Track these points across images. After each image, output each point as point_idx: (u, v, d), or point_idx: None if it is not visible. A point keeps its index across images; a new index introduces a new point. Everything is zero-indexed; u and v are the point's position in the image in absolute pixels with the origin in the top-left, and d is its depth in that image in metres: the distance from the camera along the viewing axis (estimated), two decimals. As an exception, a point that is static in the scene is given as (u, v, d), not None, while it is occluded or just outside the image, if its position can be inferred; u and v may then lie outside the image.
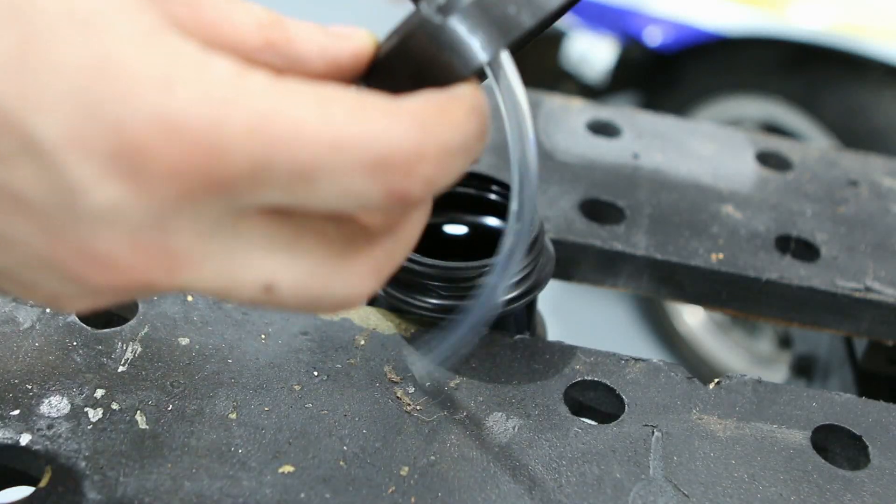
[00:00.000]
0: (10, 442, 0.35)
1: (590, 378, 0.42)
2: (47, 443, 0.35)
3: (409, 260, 0.42)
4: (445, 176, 0.24)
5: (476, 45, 0.26)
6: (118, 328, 0.41)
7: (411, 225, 0.27)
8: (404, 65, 0.27)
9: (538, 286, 0.45)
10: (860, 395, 0.43)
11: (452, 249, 0.50)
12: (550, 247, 0.48)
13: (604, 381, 0.42)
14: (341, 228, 0.25)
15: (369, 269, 0.26)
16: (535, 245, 0.45)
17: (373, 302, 0.48)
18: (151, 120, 0.22)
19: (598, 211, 0.54)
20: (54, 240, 0.23)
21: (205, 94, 0.22)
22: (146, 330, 0.41)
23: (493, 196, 0.49)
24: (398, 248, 0.27)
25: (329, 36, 0.27)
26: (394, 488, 0.36)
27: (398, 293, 0.44)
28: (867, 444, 0.40)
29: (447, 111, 0.24)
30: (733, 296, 0.51)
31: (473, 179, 0.49)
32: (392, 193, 0.23)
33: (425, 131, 0.23)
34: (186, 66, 0.22)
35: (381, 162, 0.23)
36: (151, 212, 0.23)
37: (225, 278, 0.24)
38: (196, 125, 0.22)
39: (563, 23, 1.82)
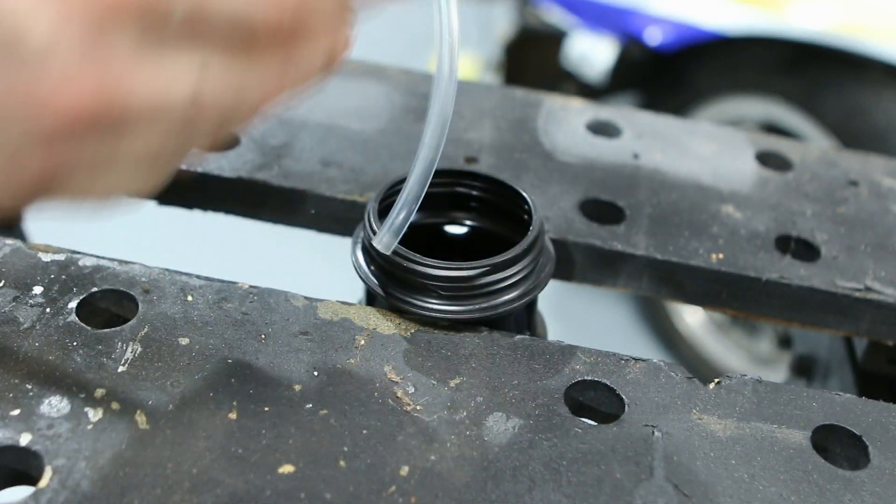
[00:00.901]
0: (10, 442, 0.35)
1: (590, 378, 0.42)
2: (47, 443, 0.35)
3: (410, 260, 0.42)
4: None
5: None
6: (118, 328, 0.41)
7: (308, 44, 0.30)
8: None
9: (538, 286, 0.45)
10: (860, 395, 0.43)
11: (452, 249, 0.50)
12: (550, 247, 0.48)
13: (604, 381, 0.42)
14: (244, 40, 0.28)
15: (275, 68, 0.29)
16: (536, 245, 0.45)
17: (372, 302, 0.48)
18: None
19: (598, 211, 0.54)
20: (7, 88, 0.25)
21: None
22: (146, 330, 0.41)
23: (492, 196, 0.49)
24: (298, 56, 0.30)
25: None
26: (394, 488, 0.36)
27: (398, 293, 0.44)
28: (867, 444, 0.40)
29: None
30: (733, 296, 0.51)
31: (472, 179, 0.49)
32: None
33: None
34: None
35: None
36: (85, 37, 0.25)
37: (159, 95, 0.27)
38: None
39: (563, 23, 1.82)
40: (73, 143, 0.26)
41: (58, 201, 0.29)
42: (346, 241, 0.49)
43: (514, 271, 0.44)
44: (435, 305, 0.43)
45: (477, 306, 0.43)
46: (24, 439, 0.35)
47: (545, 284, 0.45)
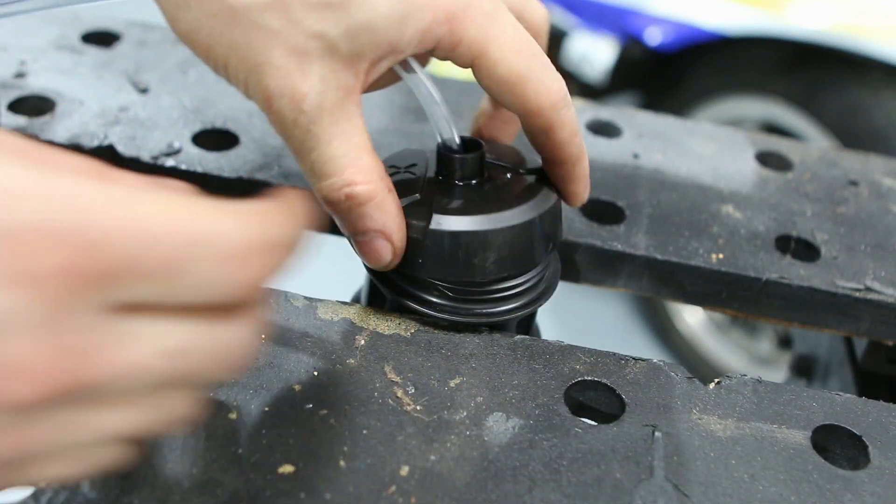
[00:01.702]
0: None
1: (590, 378, 0.42)
2: (47, 443, 0.35)
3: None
4: (271, 267, 0.28)
5: None
6: (118, 328, 0.41)
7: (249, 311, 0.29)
8: None
9: (543, 297, 0.45)
10: (860, 395, 0.43)
11: None
12: (558, 261, 0.48)
13: (604, 381, 0.42)
14: (207, 309, 0.28)
15: (240, 332, 0.29)
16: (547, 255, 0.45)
17: (373, 302, 0.48)
18: (31, 227, 0.24)
19: (598, 211, 0.54)
20: None
21: (73, 201, 0.25)
22: (146, 330, 0.41)
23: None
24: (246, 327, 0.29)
25: None
26: (394, 488, 0.36)
27: (399, 293, 0.44)
28: (867, 444, 0.40)
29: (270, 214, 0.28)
30: (733, 296, 0.51)
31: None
32: (243, 279, 0.27)
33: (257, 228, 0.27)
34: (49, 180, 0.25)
35: (236, 252, 0.27)
36: (45, 311, 0.24)
37: (128, 364, 0.26)
38: (69, 229, 0.24)
39: (563, 23, 1.82)
40: (38, 417, 0.26)
41: (18, 482, 0.28)
42: (346, 241, 0.49)
43: (526, 279, 0.44)
44: (436, 305, 0.43)
45: (484, 310, 0.43)
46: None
47: (549, 296, 0.46)
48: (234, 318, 0.29)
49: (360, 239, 0.40)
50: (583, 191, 0.45)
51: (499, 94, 0.41)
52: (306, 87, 0.37)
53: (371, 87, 0.42)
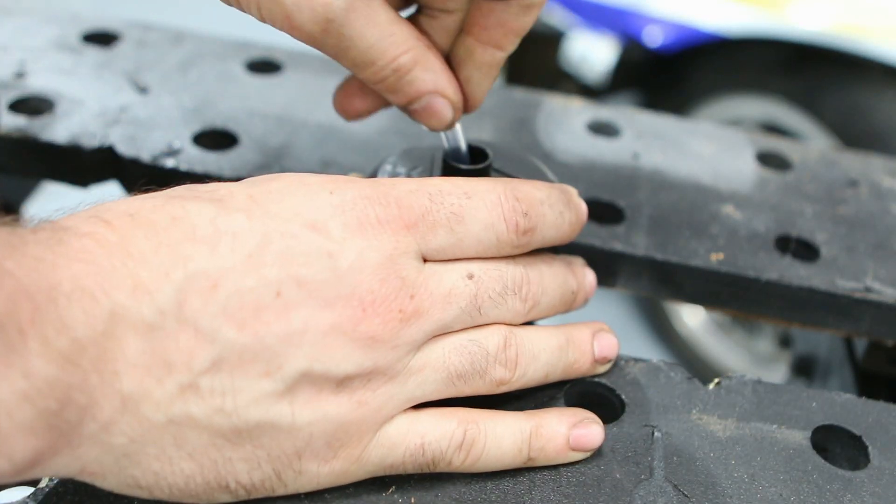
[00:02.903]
0: None
1: (589, 378, 0.42)
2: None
3: None
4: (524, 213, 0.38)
5: None
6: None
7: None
8: None
9: None
10: (860, 395, 0.43)
11: None
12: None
13: (604, 381, 0.42)
14: (493, 247, 0.38)
15: (521, 260, 0.39)
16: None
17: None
18: (361, 193, 0.35)
19: (598, 211, 0.54)
20: (332, 295, 0.33)
21: None
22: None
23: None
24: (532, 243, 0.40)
25: None
26: (394, 488, 0.36)
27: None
28: (867, 444, 0.40)
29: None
30: (733, 296, 0.51)
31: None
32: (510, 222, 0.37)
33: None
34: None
35: (499, 199, 0.37)
36: (385, 252, 0.34)
37: (445, 290, 0.36)
38: (383, 194, 0.36)
39: (563, 23, 1.82)
40: (386, 344, 0.33)
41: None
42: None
43: None
44: None
45: None
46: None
47: None
48: (528, 243, 0.38)
49: (417, 107, 0.40)
50: (484, 93, 0.43)
51: None
52: None
53: None
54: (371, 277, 0.33)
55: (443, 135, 0.42)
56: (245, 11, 0.38)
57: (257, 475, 0.32)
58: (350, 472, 0.34)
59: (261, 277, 0.31)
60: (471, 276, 0.36)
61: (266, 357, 0.31)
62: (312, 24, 0.36)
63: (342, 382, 0.32)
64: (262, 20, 0.38)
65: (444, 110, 0.40)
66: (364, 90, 0.43)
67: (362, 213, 0.34)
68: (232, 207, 0.32)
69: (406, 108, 0.41)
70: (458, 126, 0.42)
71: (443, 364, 0.35)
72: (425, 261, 0.35)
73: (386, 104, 0.44)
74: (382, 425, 0.34)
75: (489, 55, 0.41)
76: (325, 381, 0.32)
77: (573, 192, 0.42)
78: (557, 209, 0.39)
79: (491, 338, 0.36)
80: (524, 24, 0.40)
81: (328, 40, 0.37)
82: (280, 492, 0.33)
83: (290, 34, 0.38)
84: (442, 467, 0.35)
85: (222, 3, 0.38)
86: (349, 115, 0.44)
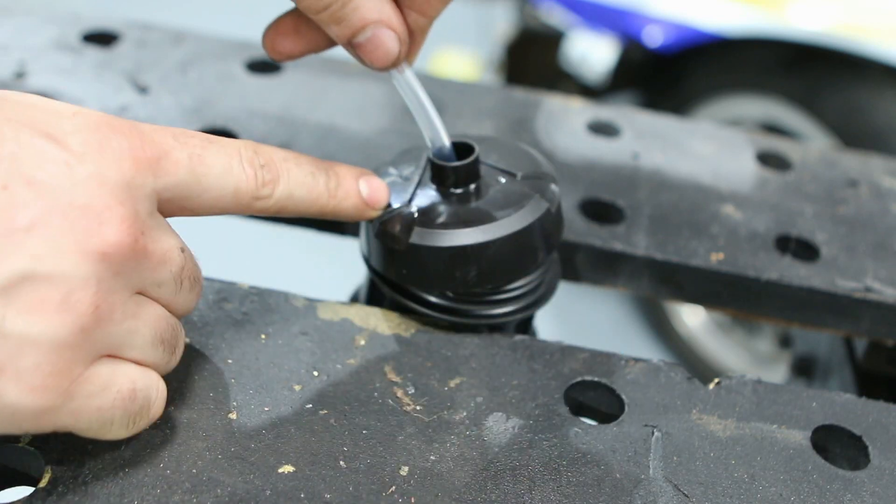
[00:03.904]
0: (10, 442, 0.35)
1: (590, 378, 0.42)
2: (47, 443, 0.35)
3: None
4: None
5: None
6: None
7: None
8: None
9: (543, 300, 0.45)
10: (860, 395, 0.43)
11: None
12: (558, 263, 0.48)
13: (604, 381, 0.42)
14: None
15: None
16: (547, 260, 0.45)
17: (373, 301, 0.48)
18: (105, 123, 0.33)
19: (598, 211, 0.54)
20: (68, 202, 0.31)
21: None
22: (146, 330, 0.41)
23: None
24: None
25: None
26: (394, 488, 0.36)
27: (400, 293, 0.44)
28: (867, 444, 0.40)
29: None
30: (733, 296, 0.51)
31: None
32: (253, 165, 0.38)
33: None
34: None
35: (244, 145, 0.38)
36: (122, 180, 0.32)
37: (164, 252, 0.34)
38: (129, 126, 0.34)
39: (563, 23, 1.82)
40: (115, 278, 0.31)
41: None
42: (346, 242, 0.49)
43: (526, 282, 0.44)
44: (436, 304, 0.43)
45: (485, 312, 0.43)
46: (25, 439, 0.35)
47: (549, 299, 0.46)
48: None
49: (361, 39, 0.40)
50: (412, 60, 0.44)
51: None
52: None
53: None
54: (110, 195, 0.31)
55: (405, 96, 0.43)
56: None
57: None
58: (54, 411, 0.31)
59: None
60: (183, 250, 0.35)
61: None
62: None
63: (67, 298, 0.30)
64: None
65: (391, 42, 0.40)
66: (297, 29, 0.43)
67: (104, 137, 0.32)
68: None
69: (350, 43, 0.40)
70: (414, 80, 0.42)
71: (153, 325, 0.34)
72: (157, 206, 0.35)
73: (319, 46, 0.43)
74: (95, 360, 0.32)
75: (412, 20, 0.41)
76: (49, 290, 0.30)
77: (342, 166, 0.42)
78: (307, 170, 0.39)
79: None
80: None
81: None
82: None
83: None
84: (153, 414, 0.35)
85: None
86: (280, 55, 0.43)
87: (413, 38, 0.42)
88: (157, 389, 0.35)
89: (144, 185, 0.33)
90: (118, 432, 0.34)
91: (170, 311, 0.36)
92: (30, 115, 0.32)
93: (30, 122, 0.31)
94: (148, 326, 0.34)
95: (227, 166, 0.36)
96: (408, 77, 0.42)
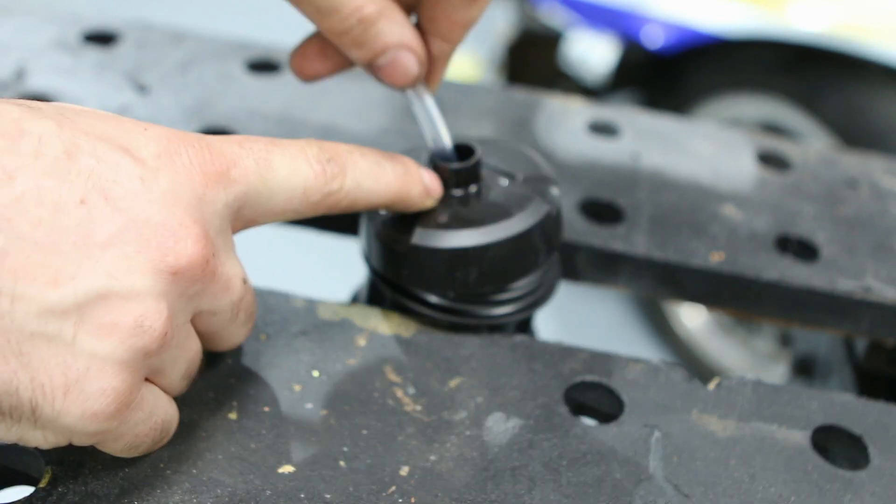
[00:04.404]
0: (10, 442, 0.35)
1: (590, 378, 0.42)
2: (47, 443, 0.35)
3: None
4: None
5: None
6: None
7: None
8: None
9: (543, 300, 0.45)
10: (860, 395, 0.43)
11: None
12: (558, 264, 0.48)
13: (604, 381, 0.42)
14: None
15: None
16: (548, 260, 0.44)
17: (373, 301, 0.48)
18: (176, 137, 0.34)
19: (598, 211, 0.54)
20: (142, 219, 0.31)
21: None
22: (146, 330, 0.41)
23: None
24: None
25: None
26: (394, 488, 0.36)
27: (400, 293, 0.44)
28: (867, 444, 0.40)
29: None
30: (733, 296, 0.51)
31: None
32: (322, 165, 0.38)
33: None
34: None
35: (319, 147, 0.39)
36: (195, 194, 0.33)
37: (230, 277, 0.34)
38: (196, 139, 0.34)
39: (563, 23, 1.82)
40: (181, 287, 0.31)
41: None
42: (346, 242, 0.49)
43: (526, 283, 0.44)
44: (437, 304, 0.43)
45: (485, 313, 0.43)
46: (24, 439, 0.35)
47: (549, 300, 0.46)
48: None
49: (382, 62, 0.40)
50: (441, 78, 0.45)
51: None
52: None
53: None
54: (184, 212, 0.31)
55: (418, 114, 0.43)
56: None
57: (7, 403, 0.28)
58: (105, 434, 0.30)
59: (65, 181, 0.29)
60: (245, 281, 0.35)
61: (58, 264, 0.28)
62: None
63: (140, 321, 0.29)
64: None
65: (411, 64, 0.40)
66: (323, 50, 0.43)
67: (175, 150, 0.32)
68: (41, 114, 0.30)
69: (370, 66, 0.40)
70: (431, 102, 0.42)
71: (191, 359, 0.34)
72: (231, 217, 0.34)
73: (345, 65, 0.44)
74: (142, 384, 0.31)
75: (437, 47, 0.41)
76: (122, 311, 0.29)
77: (402, 156, 0.42)
78: (373, 159, 0.39)
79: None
80: (470, 16, 0.40)
81: None
82: (15, 436, 0.29)
83: None
84: (166, 441, 0.35)
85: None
86: (308, 77, 0.44)
87: (436, 65, 0.42)
88: (176, 420, 0.35)
89: (216, 201, 0.33)
90: (135, 454, 0.34)
91: (218, 341, 0.36)
92: (103, 129, 0.31)
93: (105, 135, 0.31)
94: (186, 359, 0.34)
95: (294, 167, 0.36)
96: (426, 101, 0.43)
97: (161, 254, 0.30)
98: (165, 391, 0.34)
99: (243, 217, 0.35)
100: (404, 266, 0.41)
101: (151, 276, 0.30)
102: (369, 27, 0.38)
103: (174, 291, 0.31)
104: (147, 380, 0.32)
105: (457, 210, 0.42)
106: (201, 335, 0.35)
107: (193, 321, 0.34)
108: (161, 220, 0.30)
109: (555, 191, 0.44)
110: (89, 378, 0.29)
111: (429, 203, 0.41)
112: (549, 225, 0.43)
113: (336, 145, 0.38)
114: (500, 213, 0.41)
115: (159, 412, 0.33)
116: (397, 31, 0.39)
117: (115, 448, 0.32)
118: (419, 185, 0.41)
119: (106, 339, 0.29)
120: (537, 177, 0.44)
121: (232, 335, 0.36)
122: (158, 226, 0.30)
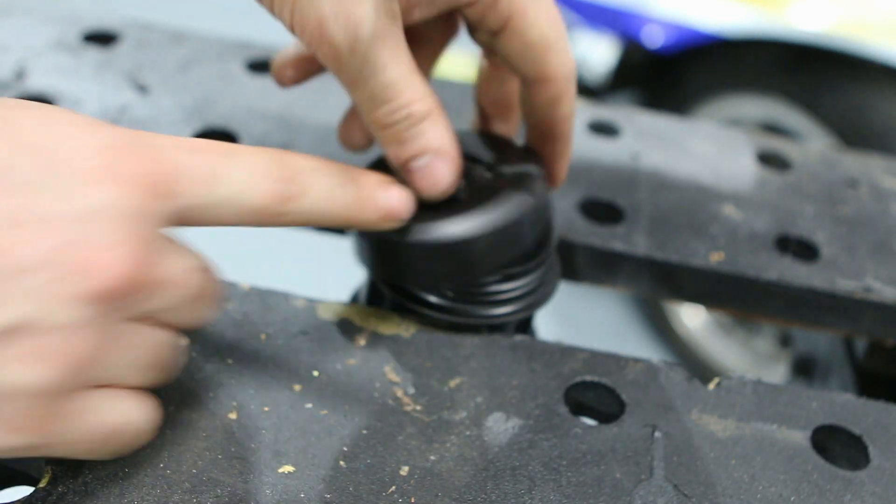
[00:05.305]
0: None
1: (590, 378, 0.42)
2: (47, 443, 0.35)
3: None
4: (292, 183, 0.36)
5: None
6: (118, 328, 0.41)
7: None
8: None
9: (543, 299, 0.45)
10: (860, 395, 0.43)
11: None
12: (558, 262, 0.48)
13: (604, 381, 0.42)
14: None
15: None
16: (547, 259, 0.44)
17: (373, 301, 0.48)
18: (121, 142, 0.31)
19: (597, 211, 0.54)
20: (59, 242, 0.29)
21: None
22: (146, 330, 0.41)
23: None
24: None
25: None
26: (394, 488, 0.36)
27: (400, 293, 0.44)
28: (867, 444, 0.40)
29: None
30: (733, 296, 0.51)
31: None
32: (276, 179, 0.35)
33: None
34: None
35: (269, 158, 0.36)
36: (130, 209, 0.30)
37: (174, 275, 0.32)
38: (145, 143, 0.33)
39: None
40: (111, 306, 0.30)
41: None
42: (346, 242, 0.49)
43: (526, 282, 0.44)
44: (437, 305, 0.43)
45: (485, 312, 0.43)
46: (24, 439, 0.35)
47: (548, 300, 0.46)
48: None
49: (416, 164, 0.39)
50: (565, 170, 0.46)
51: (522, 58, 0.41)
52: (360, 11, 0.35)
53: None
54: (116, 229, 0.29)
55: None
56: (276, 16, 0.37)
57: None
58: (36, 448, 0.30)
59: None
60: (197, 269, 0.33)
61: None
62: (343, 36, 0.35)
63: (61, 347, 0.29)
64: (292, 28, 0.36)
65: (444, 173, 0.39)
66: (300, 63, 0.43)
67: (115, 161, 0.30)
68: None
69: (403, 165, 0.39)
70: None
71: (151, 351, 0.33)
72: (175, 223, 0.33)
73: (317, 72, 0.44)
74: (84, 392, 0.31)
75: (548, 149, 0.45)
76: (43, 341, 0.28)
77: (368, 174, 0.38)
78: (336, 181, 0.37)
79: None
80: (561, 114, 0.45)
81: (353, 61, 0.36)
82: None
83: (316, 48, 0.36)
84: (144, 438, 0.34)
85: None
86: (354, 147, 0.44)
87: (510, 110, 0.45)
88: (146, 417, 0.34)
89: (156, 213, 0.31)
90: (108, 456, 0.33)
91: (182, 326, 0.34)
92: (38, 139, 0.30)
93: (39, 146, 0.29)
94: (145, 354, 0.32)
95: (249, 183, 0.34)
96: None
97: (85, 278, 0.28)
98: (133, 388, 0.33)
99: (187, 222, 0.33)
100: (390, 261, 0.41)
101: (74, 302, 0.28)
102: (414, 124, 0.38)
103: (104, 311, 0.29)
104: (101, 386, 0.31)
105: (441, 203, 0.41)
106: (163, 325, 0.34)
107: (148, 319, 0.32)
108: (87, 240, 0.29)
109: (541, 181, 0.43)
110: (8, 403, 0.28)
111: (390, 225, 0.39)
112: (538, 215, 0.42)
113: (299, 161, 0.36)
114: (485, 204, 0.41)
115: (110, 415, 0.32)
116: (439, 135, 0.38)
117: (75, 455, 0.32)
118: (375, 212, 0.38)
119: (26, 369, 0.28)
120: (524, 168, 0.43)
121: (189, 320, 0.34)
122: (84, 247, 0.29)
